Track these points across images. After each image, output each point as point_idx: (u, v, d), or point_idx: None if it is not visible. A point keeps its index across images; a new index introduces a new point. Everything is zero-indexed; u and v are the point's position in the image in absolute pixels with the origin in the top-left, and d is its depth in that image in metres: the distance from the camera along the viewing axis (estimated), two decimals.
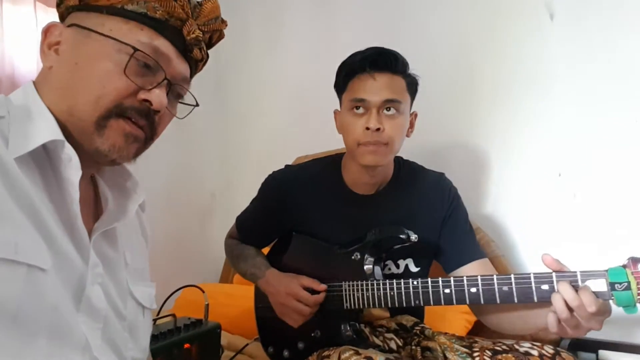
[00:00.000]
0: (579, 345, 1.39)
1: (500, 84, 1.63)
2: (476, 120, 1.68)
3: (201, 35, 0.67)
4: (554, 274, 0.82)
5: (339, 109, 1.14)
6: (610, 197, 1.42)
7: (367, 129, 1.02)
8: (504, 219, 1.63)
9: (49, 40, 0.64)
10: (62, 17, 0.67)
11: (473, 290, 0.89)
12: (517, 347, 0.90)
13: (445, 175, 1.18)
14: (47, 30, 0.65)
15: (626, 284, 0.75)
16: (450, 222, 1.11)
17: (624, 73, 1.41)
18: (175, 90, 0.68)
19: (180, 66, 0.67)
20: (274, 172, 1.23)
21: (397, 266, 1.11)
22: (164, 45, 0.64)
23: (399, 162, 1.16)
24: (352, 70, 1.07)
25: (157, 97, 0.63)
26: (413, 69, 1.10)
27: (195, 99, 0.72)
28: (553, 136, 1.53)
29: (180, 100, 0.71)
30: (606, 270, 0.78)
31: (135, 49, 0.61)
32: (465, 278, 0.91)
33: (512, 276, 0.86)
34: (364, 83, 1.04)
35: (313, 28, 2.10)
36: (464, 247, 1.09)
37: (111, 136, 0.61)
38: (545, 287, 0.82)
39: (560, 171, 1.52)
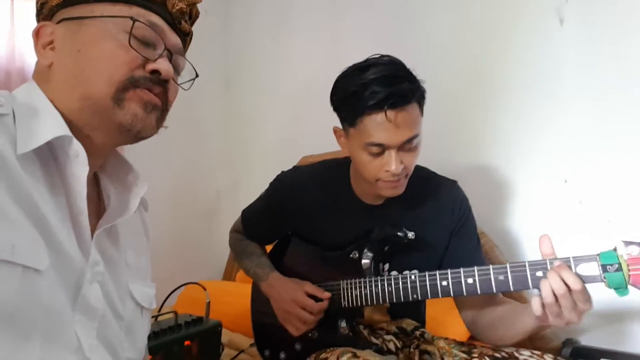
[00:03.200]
0: (580, 354, 1.38)
1: (507, 89, 1.62)
2: (482, 126, 1.67)
3: (185, 7, 0.69)
4: (547, 261, 0.83)
5: (340, 127, 1.05)
6: (616, 204, 1.41)
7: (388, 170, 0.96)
8: (508, 224, 1.62)
9: (42, 41, 0.65)
10: (46, 20, 0.67)
11: (470, 281, 0.90)
12: (516, 354, 0.89)
13: (458, 184, 1.14)
14: (37, 32, 0.65)
15: (617, 265, 0.77)
16: (458, 236, 1.09)
17: (632, 79, 1.39)
18: (174, 63, 0.69)
19: (175, 38, 0.69)
20: (282, 173, 1.22)
21: None
22: (156, 18, 0.66)
23: None
24: (364, 107, 0.94)
25: (165, 65, 0.65)
26: (417, 71, 1.01)
27: (195, 69, 0.73)
28: (559, 142, 1.52)
29: (180, 81, 0.72)
30: (597, 254, 0.80)
31: (135, 20, 0.63)
32: (462, 270, 0.91)
33: (508, 265, 0.87)
34: (380, 126, 0.93)
35: (320, 28, 2.10)
36: (468, 264, 1.05)
37: (131, 107, 0.62)
38: (539, 273, 0.83)
39: (566, 177, 1.51)
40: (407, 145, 0.96)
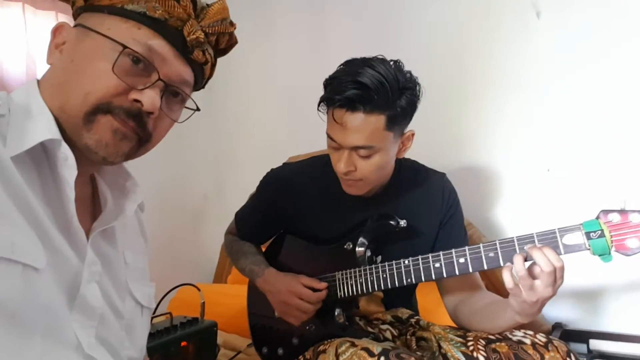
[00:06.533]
0: (570, 335, 1.42)
1: (488, 81, 1.66)
2: (465, 118, 1.70)
3: (202, 37, 0.65)
4: (535, 234, 0.86)
5: None
6: (600, 192, 1.45)
7: None
8: (494, 214, 1.66)
9: (57, 41, 0.64)
10: (74, 18, 0.67)
11: (462, 260, 0.92)
12: (510, 336, 0.92)
13: (447, 177, 1.17)
14: (55, 30, 0.65)
15: (600, 231, 0.81)
16: (446, 227, 1.11)
17: (609, 70, 1.44)
18: (172, 92, 0.66)
19: (179, 68, 0.65)
20: (272, 170, 1.23)
21: None
22: (159, 45, 0.62)
23: (399, 163, 1.13)
24: (327, 99, 1.00)
25: (148, 97, 0.61)
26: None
27: (196, 104, 0.70)
28: (541, 132, 1.56)
29: (186, 106, 0.70)
30: (581, 224, 0.83)
31: (125, 47, 0.60)
32: (454, 251, 0.94)
33: (497, 241, 0.90)
34: (335, 123, 0.97)
35: (304, 28, 2.11)
36: None
37: (99, 131, 0.60)
38: (528, 247, 0.86)
39: (548, 166, 1.55)
40: (361, 151, 0.98)
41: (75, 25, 0.65)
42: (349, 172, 1.00)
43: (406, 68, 1.02)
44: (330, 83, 0.99)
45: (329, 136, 1.01)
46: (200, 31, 0.65)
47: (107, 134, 0.60)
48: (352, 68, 0.97)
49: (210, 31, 0.67)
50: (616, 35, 1.43)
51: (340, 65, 1.02)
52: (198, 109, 0.70)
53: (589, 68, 1.47)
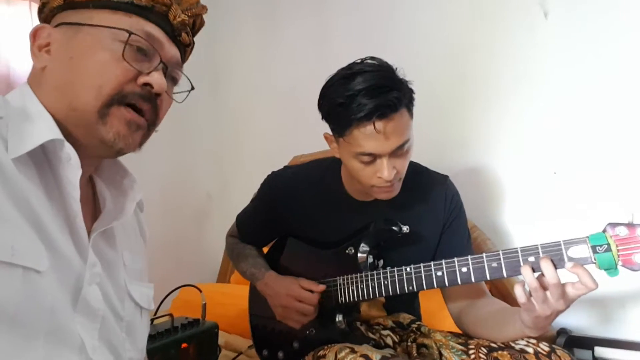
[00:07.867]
0: (575, 342, 1.40)
1: (493, 84, 1.63)
2: (470, 122, 1.68)
3: (187, 19, 0.69)
4: (539, 245, 0.84)
5: (330, 134, 1.04)
6: (607, 195, 1.43)
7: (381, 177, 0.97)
8: (499, 217, 1.64)
9: (39, 43, 0.64)
10: (47, 21, 0.67)
11: (464, 270, 0.91)
12: (512, 344, 0.91)
13: (450, 179, 1.15)
14: (35, 33, 0.65)
15: (606, 245, 0.79)
16: (449, 231, 1.10)
17: (618, 72, 1.42)
18: (171, 74, 0.69)
19: (173, 50, 0.68)
20: (273, 173, 1.22)
21: None
22: (154, 29, 0.65)
23: None
24: (351, 120, 0.93)
25: (157, 79, 0.64)
26: (403, 70, 1.00)
27: (191, 82, 0.73)
28: (548, 134, 1.54)
29: (175, 90, 0.73)
30: (587, 237, 0.81)
31: (130, 32, 0.62)
32: (456, 259, 0.92)
33: (501, 252, 0.88)
34: (370, 137, 0.93)
35: (307, 27, 2.10)
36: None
37: (114, 124, 0.62)
38: (531, 259, 0.84)
39: (555, 169, 1.53)
40: (399, 151, 0.96)
41: (57, 25, 0.65)
42: (394, 176, 0.97)
43: (410, 68, 1.01)
44: (349, 103, 0.92)
45: (362, 154, 0.95)
46: (183, 14, 0.68)
47: (123, 126, 0.63)
48: (361, 79, 0.93)
49: (189, 14, 0.70)
50: (625, 36, 1.40)
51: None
52: (193, 88, 0.73)
53: (596, 69, 1.45)
